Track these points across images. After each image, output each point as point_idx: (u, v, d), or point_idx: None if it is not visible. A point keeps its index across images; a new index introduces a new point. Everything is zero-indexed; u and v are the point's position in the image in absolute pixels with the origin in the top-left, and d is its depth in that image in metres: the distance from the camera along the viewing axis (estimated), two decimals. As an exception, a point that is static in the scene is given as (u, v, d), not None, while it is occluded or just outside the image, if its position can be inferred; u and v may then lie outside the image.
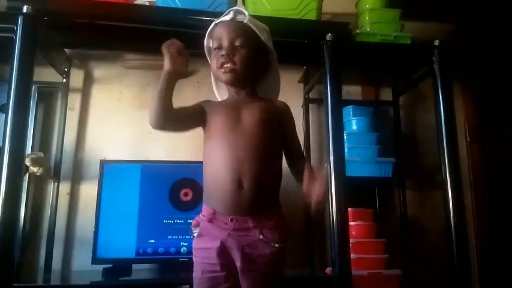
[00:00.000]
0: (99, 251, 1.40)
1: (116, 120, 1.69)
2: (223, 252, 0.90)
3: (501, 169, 1.86)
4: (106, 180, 1.47)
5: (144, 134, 1.68)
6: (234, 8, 1.00)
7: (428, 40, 1.45)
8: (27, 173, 1.42)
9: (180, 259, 1.43)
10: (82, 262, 1.48)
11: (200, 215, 0.97)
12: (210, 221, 0.93)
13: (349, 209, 1.35)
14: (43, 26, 1.22)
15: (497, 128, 1.90)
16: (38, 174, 1.41)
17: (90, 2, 1.33)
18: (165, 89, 0.91)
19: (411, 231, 1.70)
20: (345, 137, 1.50)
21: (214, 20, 1.02)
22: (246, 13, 0.98)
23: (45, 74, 1.56)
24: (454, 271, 1.30)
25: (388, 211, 1.73)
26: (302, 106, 1.75)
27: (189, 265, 0.96)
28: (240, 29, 0.97)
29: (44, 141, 1.61)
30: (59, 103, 1.64)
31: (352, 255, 1.28)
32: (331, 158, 1.27)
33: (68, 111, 1.63)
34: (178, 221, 1.47)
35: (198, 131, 1.03)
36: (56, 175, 1.55)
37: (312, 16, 1.42)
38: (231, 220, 0.90)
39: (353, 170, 1.49)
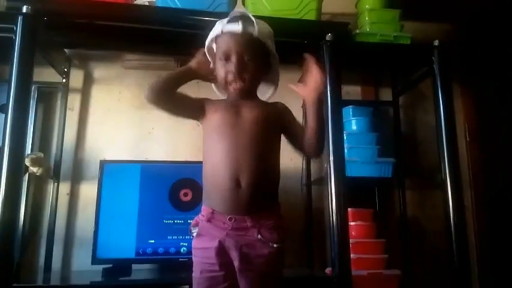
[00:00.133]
0: (99, 251, 1.40)
1: (116, 121, 1.69)
2: (221, 251, 0.90)
3: (501, 169, 1.86)
4: (106, 180, 1.47)
5: (144, 134, 1.69)
6: (242, 12, 0.95)
7: (428, 40, 1.45)
8: (27, 173, 1.42)
9: (180, 259, 1.43)
10: (82, 262, 1.48)
11: (199, 214, 0.97)
12: (209, 220, 0.93)
13: (349, 209, 1.35)
14: (43, 26, 1.22)
15: (497, 128, 1.91)
16: (37, 174, 1.41)
17: (89, 2, 1.33)
18: (178, 78, 0.99)
19: (411, 232, 1.70)
20: (345, 137, 1.50)
21: (215, 20, 1.01)
22: (255, 22, 0.94)
23: (45, 74, 1.57)
24: (454, 271, 1.30)
25: (388, 211, 1.73)
26: (302, 106, 1.75)
27: (188, 265, 0.96)
28: (249, 43, 0.95)
29: (43, 141, 1.61)
30: (58, 103, 1.64)
31: (352, 256, 1.28)
32: (331, 158, 1.27)
33: (68, 111, 1.64)
34: (178, 221, 1.47)
35: (198, 130, 1.03)
36: (56, 175, 1.56)
37: (311, 16, 1.42)
38: (230, 219, 0.91)
39: (353, 170, 1.49)
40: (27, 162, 1.33)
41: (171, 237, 1.45)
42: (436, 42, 1.44)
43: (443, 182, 1.36)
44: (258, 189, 0.91)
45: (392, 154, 1.67)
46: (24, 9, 1.18)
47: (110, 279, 1.34)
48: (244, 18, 0.95)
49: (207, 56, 1.03)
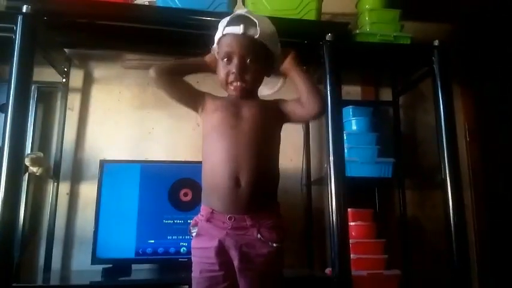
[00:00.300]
0: (98, 251, 1.40)
1: (116, 120, 1.69)
2: (221, 251, 0.90)
3: (501, 169, 1.86)
4: (105, 180, 1.47)
5: (143, 134, 1.69)
6: (243, 14, 0.95)
7: (428, 40, 1.45)
8: (27, 173, 1.42)
9: (180, 259, 1.43)
10: (81, 262, 1.49)
11: (199, 214, 0.97)
12: (208, 220, 0.93)
13: (349, 209, 1.35)
14: (43, 26, 1.22)
15: (497, 128, 1.91)
16: (37, 174, 1.41)
17: (90, 2, 1.33)
18: (189, 66, 1.05)
19: (411, 232, 1.70)
20: (345, 137, 1.50)
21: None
22: (257, 23, 0.94)
23: (45, 74, 1.57)
24: (454, 271, 1.30)
25: (388, 211, 1.73)
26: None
27: (188, 265, 0.96)
28: (250, 45, 0.95)
29: (43, 141, 1.61)
30: (58, 103, 1.64)
31: (352, 256, 1.28)
32: (331, 158, 1.27)
33: (68, 111, 1.64)
34: (178, 221, 1.47)
35: (198, 130, 1.04)
36: (56, 175, 1.56)
37: (311, 16, 1.42)
38: (229, 219, 0.91)
39: (353, 170, 1.49)
40: (27, 162, 1.33)
41: (170, 237, 1.45)
42: (436, 42, 1.44)
43: (443, 181, 1.36)
44: (257, 189, 0.91)
45: (392, 154, 1.68)
46: (24, 8, 1.17)
47: (109, 279, 1.34)
48: (246, 18, 0.95)
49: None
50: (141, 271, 1.45)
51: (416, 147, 1.84)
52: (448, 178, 1.35)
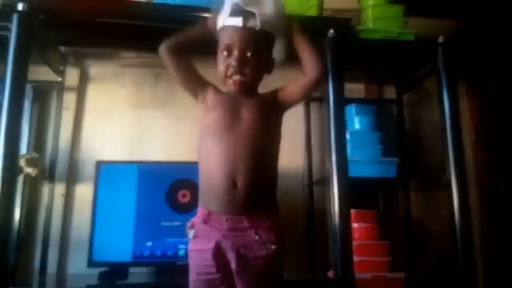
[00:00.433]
0: (95, 254, 1.41)
1: (112, 120, 1.70)
2: (218, 253, 0.91)
3: (507, 169, 1.86)
4: (102, 181, 1.48)
5: (141, 134, 1.70)
6: (240, 6, 0.95)
7: (432, 37, 1.46)
8: (22, 174, 1.43)
9: (178, 262, 1.44)
10: (77, 265, 1.49)
11: (196, 216, 0.98)
12: (205, 221, 0.94)
13: (352, 211, 1.35)
14: (38, 24, 1.23)
15: (503, 127, 1.91)
16: (33, 175, 1.42)
17: (86, -1, 1.34)
18: (194, 35, 1.07)
19: (415, 233, 1.71)
20: (347, 136, 1.51)
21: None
22: (257, 14, 0.95)
23: (40, 73, 1.58)
24: (459, 274, 1.30)
25: (392, 212, 1.73)
26: (303, 105, 1.76)
27: (187, 268, 0.97)
28: (251, 37, 0.96)
29: (38, 141, 1.62)
30: (54, 102, 1.65)
31: (355, 258, 1.28)
32: (333, 158, 1.27)
33: (63, 111, 1.64)
34: (176, 223, 1.48)
35: (197, 130, 1.04)
36: (51, 176, 1.57)
37: (313, 12, 1.43)
38: (226, 220, 0.92)
39: (355, 170, 1.49)
40: (22, 162, 1.34)
41: (168, 239, 1.46)
42: (441, 39, 1.45)
43: (448, 182, 1.36)
44: (254, 190, 0.92)
45: (396, 154, 1.68)
46: (20, 6, 1.18)
47: (106, 282, 1.35)
48: (245, 13, 0.96)
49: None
50: (138, 274, 1.46)
51: (421, 146, 1.84)
52: (453, 178, 1.35)
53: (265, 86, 1.08)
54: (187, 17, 1.33)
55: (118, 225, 1.45)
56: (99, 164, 1.50)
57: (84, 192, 1.58)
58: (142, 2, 1.48)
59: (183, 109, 1.71)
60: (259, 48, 0.97)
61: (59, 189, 1.59)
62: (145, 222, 1.47)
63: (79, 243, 1.53)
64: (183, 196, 1.51)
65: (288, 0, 1.41)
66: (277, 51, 1.07)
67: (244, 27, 0.96)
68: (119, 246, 1.44)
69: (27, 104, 1.48)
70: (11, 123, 1.14)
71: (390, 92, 1.86)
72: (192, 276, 0.94)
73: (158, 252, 1.45)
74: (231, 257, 0.90)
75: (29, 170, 1.40)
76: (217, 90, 1.04)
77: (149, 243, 1.45)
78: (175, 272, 1.41)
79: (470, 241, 1.33)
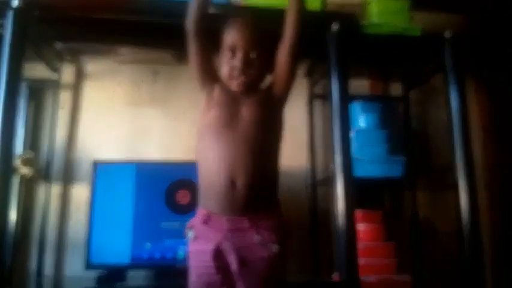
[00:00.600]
0: (92, 256, 1.42)
1: (109, 119, 1.70)
2: (218, 254, 0.91)
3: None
4: (99, 181, 1.49)
5: (138, 133, 1.70)
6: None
7: (439, 32, 1.46)
8: (17, 174, 1.44)
9: (177, 265, 1.45)
10: (75, 267, 1.50)
11: (195, 217, 0.98)
12: (205, 222, 0.94)
13: (357, 211, 1.36)
14: (34, 21, 1.24)
15: (513, 124, 1.91)
16: (28, 175, 1.43)
17: (82, -6, 1.34)
18: None
19: (422, 234, 1.71)
20: (352, 135, 1.51)
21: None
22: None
23: (36, 70, 1.58)
24: (467, 275, 1.31)
25: (398, 213, 1.74)
26: (307, 102, 1.77)
27: (186, 271, 0.97)
28: (255, 38, 0.98)
29: (34, 140, 1.63)
30: (50, 100, 1.66)
31: (360, 260, 1.28)
32: (338, 157, 1.28)
33: (59, 109, 1.65)
34: (176, 225, 1.48)
35: (195, 129, 1.05)
36: (47, 176, 1.58)
37: (315, 6, 1.43)
38: (227, 221, 0.92)
39: (360, 170, 1.49)
40: (17, 162, 1.35)
41: (168, 241, 1.47)
42: (448, 34, 1.45)
43: (456, 181, 1.37)
44: (254, 190, 0.93)
45: (403, 152, 1.68)
46: (15, 3, 1.19)
47: (104, 285, 1.36)
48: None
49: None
50: (136, 277, 1.47)
51: (428, 145, 1.85)
52: (461, 178, 1.36)
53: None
54: (185, 12, 1.34)
55: (116, 226, 1.46)
56: (96, 164, 1.51)
57: (80, 192, 1.59)
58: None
59: (182, 107, 1.72)
60: (262, 48, 1.00)
61: (55, 189, 1.60)
62: (143, 223, 1.47)
63: (76, 244, 1.54)
64: (183, 197, 1.51)
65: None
66: None
67: (248, 27, 0.99)
68: (117, 248, 1.45)
69: (22, 102, 1.50)
70: (6, 122, 1.15)
71: (396, 89, 1.86)
72: (192, 277, 0.94)
73: (157, 255, 1.46)
74: (231, 258, 0.91)
75: (25, 170, 1.41)
76: (222, 88, 1.04)
77: (148, 245, 1.46)
78: (174, 275, 1.41)
79: (479, 242, 1.34)
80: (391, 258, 1.49)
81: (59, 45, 1.64)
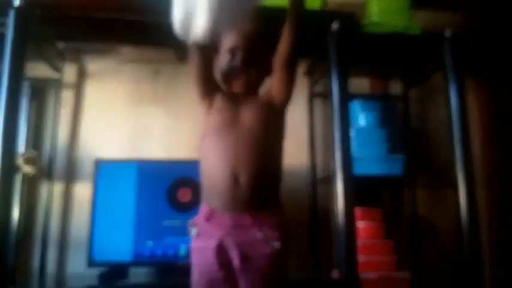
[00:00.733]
0: (94, 253, 1.43)
1: (111, 117, 1.71)
2: (221, 251, 0.92)
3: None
4: (101, 180, 1.49)
5: (140, 132, 1.71)
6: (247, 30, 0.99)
7: (439, 31, 1.46)
8: (20, 173, 1.45)
9: (179, 262, 1.46)
10: (77, 265, 1.52)
11: (198, 214, 0.99)
12: (208, 219, 0.95)
13: (357, 209, 1.36)
14: (35, 20, 1.24)
15: (513, 123, 1.91)
16: (31, 174, 1.44)
17: (84, -7, 1.34)
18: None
19: (422, 232, 1.72)
20: (352, 133, 1.52)
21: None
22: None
23: (38, 70, 1.59)
24: (466, 274, 1.32)
25: (398, 211, 1.75)
26: (307, 101, 1.77)
27: (188, 268, 0.98)
28: (254, 40, 1.00)
29: (36, 139, 1.64)
30: (52, 99, 1.67)
31: (360, 257, 1.29)
32: (338, 156, 1.28)
33: (61, 108, 1.66)
34: (177, 223, 1.49)
35: (198, 127, 1.05)
36: (49, 175, 1.59)
37: (315, 5, 1.43)
38: (229, 218, 0.93)
39: (360, 168, 1.49)
40: (19, 161, 1.36)
41: (169, 239, 1.48)
42: (448, 33, 1.45)
43: (455, 180, 1.37)
44: (257, 187, 0.93)
45: (403, 151, 1.69)
46: (17, 2, 1.20)
47: (106, 282, 1.37)
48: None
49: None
50: (138, 274, 1.48)
51: (427, 143, 1.85)
52: (460, 176, 1.36)
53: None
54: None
55: (118, 224, 1.47)
56: (98, 162, 1.51)
57: (82, 190, 1.60)
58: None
59: (183, 105, 1.72)
60: (262, 51, 1.01)
61: (57, 188, 1.61)
62: (145, 221, 1.48)
63: (78, 242, 1.55)
64: (184, 195, 1.52)
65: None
66: None
67: (247, 30, 0.99)
68: (119, 245, 1.46)
69: (24, 102, 1.50)
70: (8, 121, 1.16)
71: (396, 88, 1.87)
72: (195, 274, 0.95)
73: (159, 252, 1.47)
74: (234, 255, 0.92)
75: (27, 169, 1.41)
76: (223, 96, 1.05)
77: (149, 243, 1.47)
78: (176, 272, 1.43)
79: (478, 240, 1.34)
80: (391, 256, 1.50)
81: (60, 45, 1.65)
